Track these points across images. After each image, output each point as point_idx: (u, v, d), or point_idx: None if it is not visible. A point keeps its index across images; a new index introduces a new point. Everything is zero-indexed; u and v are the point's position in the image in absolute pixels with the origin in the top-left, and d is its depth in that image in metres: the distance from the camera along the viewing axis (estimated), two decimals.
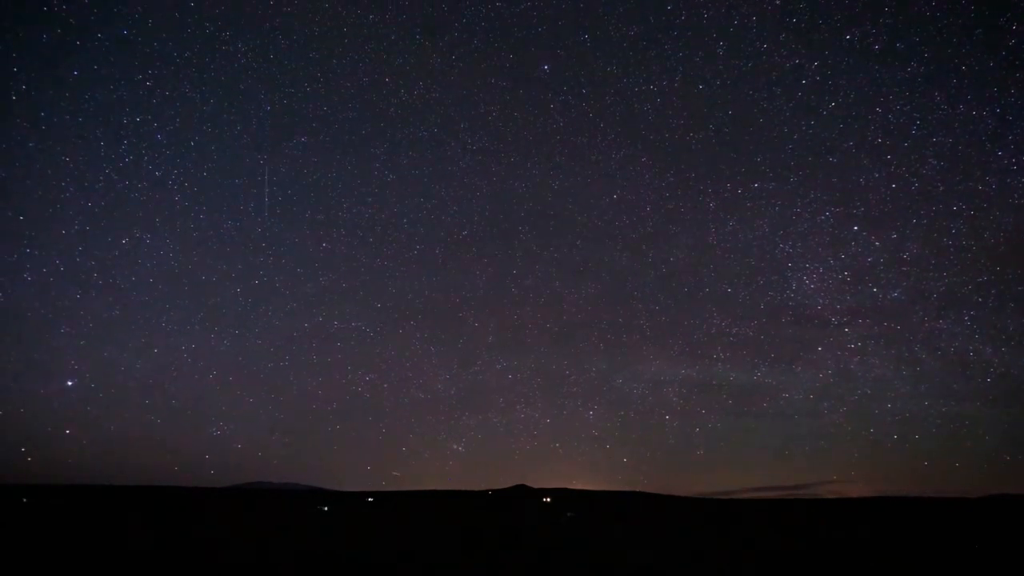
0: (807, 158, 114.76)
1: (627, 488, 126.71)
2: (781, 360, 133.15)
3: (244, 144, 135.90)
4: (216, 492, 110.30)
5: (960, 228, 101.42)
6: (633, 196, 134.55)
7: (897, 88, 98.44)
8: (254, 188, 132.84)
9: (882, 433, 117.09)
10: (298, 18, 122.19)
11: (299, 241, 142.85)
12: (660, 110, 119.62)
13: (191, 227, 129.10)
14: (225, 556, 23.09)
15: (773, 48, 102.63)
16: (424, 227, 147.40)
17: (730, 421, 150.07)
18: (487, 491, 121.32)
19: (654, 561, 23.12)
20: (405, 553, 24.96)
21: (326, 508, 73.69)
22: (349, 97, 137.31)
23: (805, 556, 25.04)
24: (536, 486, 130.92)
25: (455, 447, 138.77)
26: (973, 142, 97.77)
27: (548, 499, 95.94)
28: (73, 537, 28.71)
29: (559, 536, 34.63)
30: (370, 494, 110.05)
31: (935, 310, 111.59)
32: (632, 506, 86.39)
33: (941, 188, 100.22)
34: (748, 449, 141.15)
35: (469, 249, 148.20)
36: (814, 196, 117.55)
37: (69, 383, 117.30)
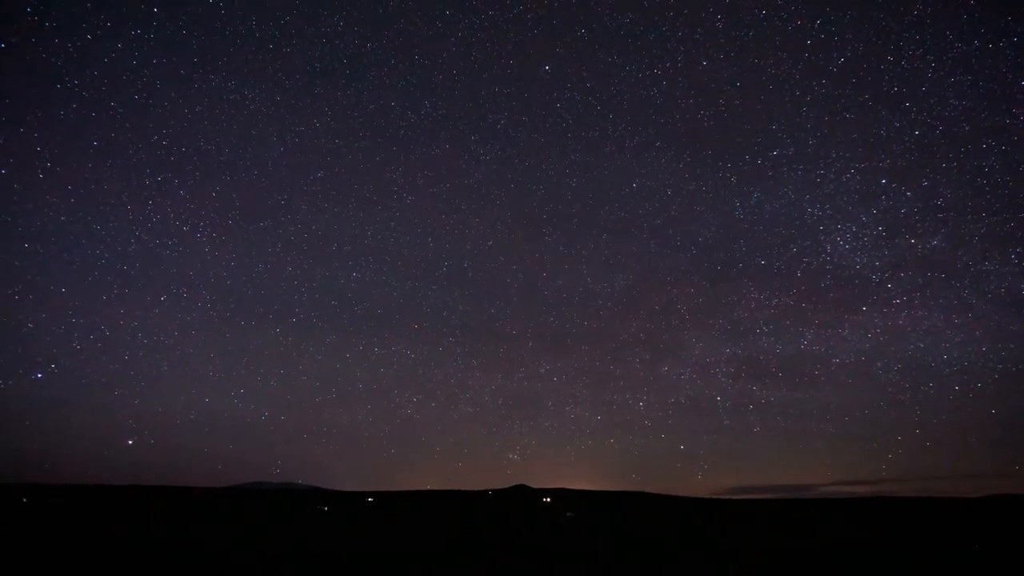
0: (823, 118, 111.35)
1: (629, 488, 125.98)
2: (826, 325, 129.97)
3: (263, 187, 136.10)
4: (216, 492, 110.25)
5: (993, 165, 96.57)
6: (652, 182, 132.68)
7: (906, 33, 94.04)
8: (279, 229, 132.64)
9: (942, 386, 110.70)
10: (298, 57, 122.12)
11: (329, 274, 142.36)
12: (667, 93, 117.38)
13: (224, 275, 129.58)
14: (225, 556, 23.09)
15: (773, 13, 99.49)
16: (449, 243, 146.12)
17: (783, 394, 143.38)
18: (487, 491, 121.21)
19: (654, 561, 23.11)
20: (405, 553, 24.96)
21: (326, 508, 73.62)
22: (358, 126, 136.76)
23: (805, 556, 25.03)
24: (536, 486, 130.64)
25: (511, 456, 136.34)
26: (994, 76, 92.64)
27: (548, 499, 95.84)
28: (73, 537, 28.70)
29: (559, 536, 34.61)
30: (370, 494, 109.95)
31: (979, 253, 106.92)
32: (632, 506, 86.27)
33: (967, 128, 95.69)
34: (806, 421, 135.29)
35: (496, 258, 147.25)
36: (836, 155, 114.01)
37: (130, 442, 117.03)
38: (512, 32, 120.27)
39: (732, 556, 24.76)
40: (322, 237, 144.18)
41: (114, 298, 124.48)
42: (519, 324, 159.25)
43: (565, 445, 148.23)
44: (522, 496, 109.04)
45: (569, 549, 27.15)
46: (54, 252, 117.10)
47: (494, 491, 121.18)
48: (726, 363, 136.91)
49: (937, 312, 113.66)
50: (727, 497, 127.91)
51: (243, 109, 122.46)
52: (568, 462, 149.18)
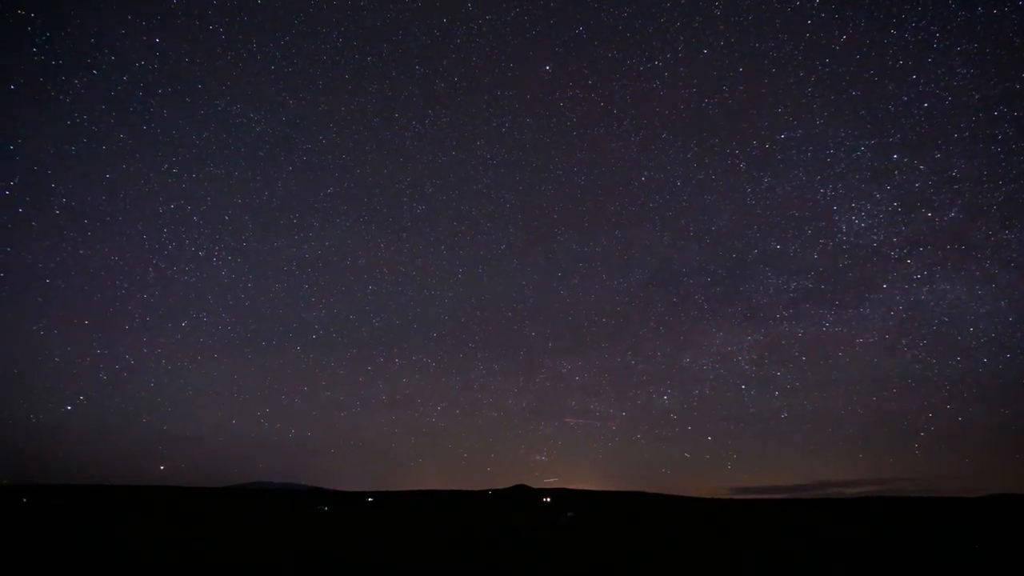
0: (830, 97, 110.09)
1: (632, 488, 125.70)
2: (847, 306, 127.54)
3: (275, 207, 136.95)
4: (216, 492, 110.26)
5: (1006, 132, 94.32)
6: (661, 174, 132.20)
7: (908, 5, 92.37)
8: (293, 247, 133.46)
9: (970, 359, 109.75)
10: (301, 75, 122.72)
11: (345, 289, 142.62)
12: (670, 83, 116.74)
13: (242, 297, 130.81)
14: (225, 556, 23.08)
15: None
16: (463, 249, 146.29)
17: (808, 378, 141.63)
18: (487, 491, 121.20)
19: (654, 561, 23.10)
20: (405, 553, 24.96)
21: (326, 508, 73.62)
22: (364, 140, 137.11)
23: (805, 556, 25.03)
24: (536, 486, 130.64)
25: (538, 457, 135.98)
26: (1000, 41, 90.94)
27: (548, 499, 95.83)
28: (73, 537, 28.70)
29: (559, 536, 34.61)
30: (370, 494, 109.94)
31: (998, 222, 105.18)
32: (632, 506, 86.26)
33: (977, 96, 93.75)
34: (833, 404, 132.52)
35: (511, 261, 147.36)
36: (845, 134, 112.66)
37: (162, 467, 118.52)
38: (510, 35, 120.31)
39: (732, 556, 24.77)
40: (336, 252, 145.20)
41: (136, 327, 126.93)
42: (537, 325, 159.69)
43: (592, 444, 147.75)
44: (522, 496, 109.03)
45: (569, 549, 27.15)
46: (75, 285, 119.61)
47: (494, 491, 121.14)
48: (748, 350, 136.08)
49: (960, 285, 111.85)
50: (730, 497, 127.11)
51: (249, 132, 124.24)
52: (596, 460, 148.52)
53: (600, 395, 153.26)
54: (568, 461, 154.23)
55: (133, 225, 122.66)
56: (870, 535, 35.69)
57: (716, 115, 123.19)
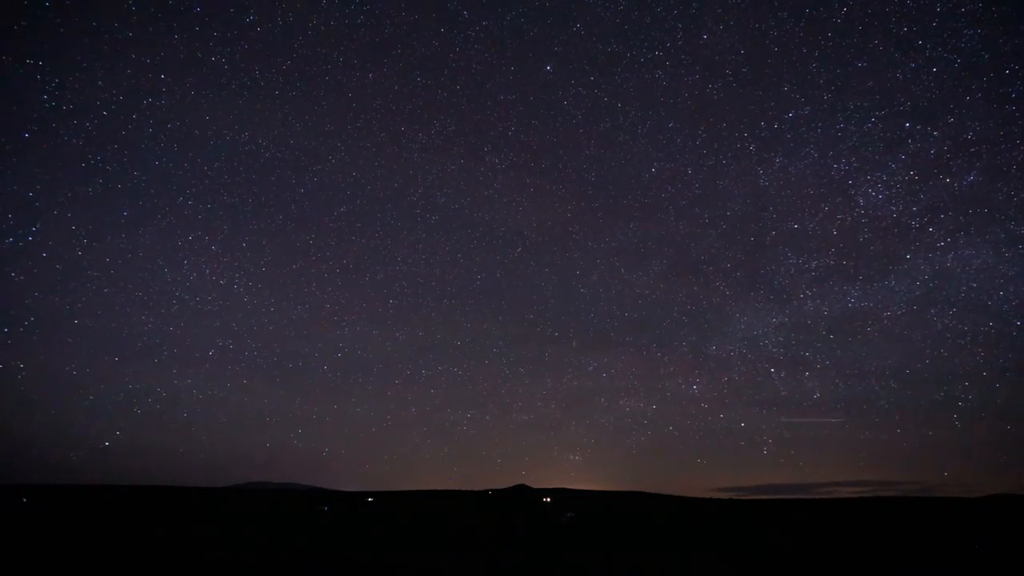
0: (835, 71, 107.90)
1: (632, 488, 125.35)
2: (872, 280, 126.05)
3: (290, 230, 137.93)
4: (216, 492, 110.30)
5: (1019, 90, 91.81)
6: (672, 164, 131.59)
7: None
8: (312, 268, 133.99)
9: (1003, 323, 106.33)
10: (305, 98, 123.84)
11: (367, 305, 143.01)
12: (672, 72, 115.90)
13: (266, 322, 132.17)
14: (225, 556, 23.07)
15: None
16: (479, 256, 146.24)
17: (838, 356, 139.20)
18: (487, 491, 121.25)
19: (654, 561, 23.09)
20: (405, 553, 24.95)
21: (326, 508, 73.62)
22: (372, 156, 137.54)
23: (805, 556, 25.02)
24: (536, 486, 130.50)
25: (572, 458, 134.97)
26: None
27: (548, 499, 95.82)
28: (73, 537, 28.69)
29: (559, 536, 34.60)
30: (370, 494, 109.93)
31: (1019, 182, 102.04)
32: (632, 506, 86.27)
33: (986, 56, 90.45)
34: (866, 380, 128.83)
35: (528, 264, 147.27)
36: (855, 106, 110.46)
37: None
38: (509, 39, 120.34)
39: (732, 556, 24.76)
40: (354, 269, 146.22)
41: (165, 359, 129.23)
42: (560, 326, 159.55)
43: (624, 439, 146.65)
44: (522, 496, 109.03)
45: (569, 549, 27.14)
46: (102, 323, 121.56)
47: (494, 491, 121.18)
48: (774, 333, 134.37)
49: (985, 249, 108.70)
50: (735, 497, 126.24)
51: (259, 158, 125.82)
52: (631, 456, 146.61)
53: (629, 390, 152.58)
54: (603, 459, 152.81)
55: (154, 260, 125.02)
56: (869, 535, 35.68)
57: (721, 100, 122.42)
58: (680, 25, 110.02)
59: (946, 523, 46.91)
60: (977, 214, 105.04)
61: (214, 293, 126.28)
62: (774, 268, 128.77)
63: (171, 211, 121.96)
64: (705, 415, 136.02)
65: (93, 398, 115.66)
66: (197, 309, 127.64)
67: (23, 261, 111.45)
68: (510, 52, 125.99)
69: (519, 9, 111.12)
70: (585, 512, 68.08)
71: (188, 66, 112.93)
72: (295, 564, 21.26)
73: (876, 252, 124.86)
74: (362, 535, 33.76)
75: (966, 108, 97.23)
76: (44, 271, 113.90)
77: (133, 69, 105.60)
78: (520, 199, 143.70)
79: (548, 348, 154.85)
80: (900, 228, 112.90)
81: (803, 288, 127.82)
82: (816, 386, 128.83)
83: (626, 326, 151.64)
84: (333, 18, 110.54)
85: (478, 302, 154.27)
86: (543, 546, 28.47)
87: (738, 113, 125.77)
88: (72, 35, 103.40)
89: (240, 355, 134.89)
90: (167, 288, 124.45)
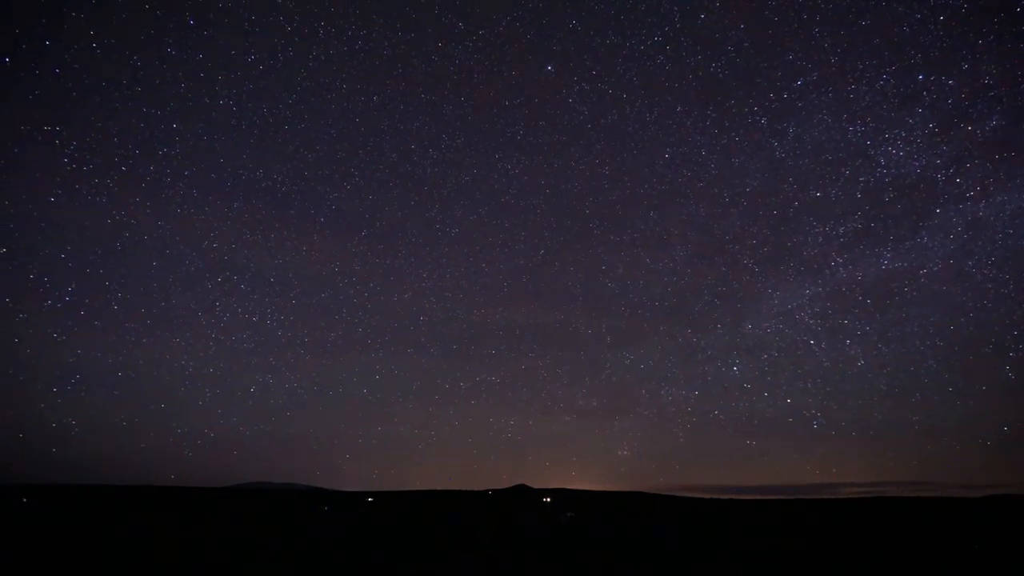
0: (839, 33, 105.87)
1: (629, 488, 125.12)
2: (903, 239, 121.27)
3: (315, 260, 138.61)
4: (216, 492, 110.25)
5: None
6: (684, 147, 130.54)
7: None
8: (340, 295, 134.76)
9: None
10: (312, 128, 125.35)
11: (398, 325, 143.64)
12: (673, 56, 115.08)
13: (301, 352, 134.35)
14: (225, 556, 23.06)
15: None
16: (503, 263, 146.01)
17: (878, 321, 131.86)
18: (487, 491, 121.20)
19: (653, 561, 23.09)
20: (405, 553, 24.94)
21: (326, 508, 73.58)
22: (386, 179, 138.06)
23: (805, 556, 25.00)
24: (536, 486, 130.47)
25: (621, 453, 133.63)
26: None
27: (548, 499, 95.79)
28: (73, 537, 28.68)
29: (559, 536, 34.59)
30: (370, 494, 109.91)
31: None
32: (632, 506, 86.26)
33: None
34: (910, 341, 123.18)
35: (552, 265, 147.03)
36: (864, 66, 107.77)
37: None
38: (506, 44, 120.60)
39: (732, 556, 24.74)
40: (382, 292, 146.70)
41: (208, 401, 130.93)
42: (592, 322, 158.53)
43: (672, 429, 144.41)
44: (522, 496, 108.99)
45: (569, 549, 27.13)
46: (145, 373, 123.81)
47: (494, 491, 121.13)
48: (809, 305, 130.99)
49: (1018, 193, 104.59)
50: (736, 497, 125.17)
51: (275, 193, 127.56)
52: (679, 446, 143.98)
53: (669, 379, 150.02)
54: (651, 450, 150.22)
55: (186, 305, 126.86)
56: (872, 534, 35.66)
57: (727, 77, 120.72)
58: (676, 8, 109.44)
59: (944, 524, 46.81)
60: (1004, 159, 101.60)
61: (248, 331, 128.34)
62: (801, 239, 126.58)
63: (197, 256, 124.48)
64: (749, 395, 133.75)
65: (144, 446, 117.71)
66: (233, 348, 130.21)
67: (63, 321, 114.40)
68: (510, 57, 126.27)
69: (514, 13, 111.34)
70: (585, 512, 68.06)
71: (197, 112, 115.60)
72: (295, 564, 21.26)
73: (904, 210, 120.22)
74: (362, 535, 33.75)
75: (980, 52, 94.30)
76: (84, 329, 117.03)
77: (146, 122, 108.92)
78: (537, 202, 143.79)
79: (582, 346, 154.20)
80: (926, 183, 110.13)
81: (833, 256, 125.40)
82: (859, 353, 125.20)
83: (658, 315, 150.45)
84: (331, 47, 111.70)
85: (508, 308, 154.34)
86: (543, 546, 28.46)
87: (746, 88, 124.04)
88: (83, 96, 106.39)
89: (280, 388, 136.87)
90: (202, 331, 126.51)
